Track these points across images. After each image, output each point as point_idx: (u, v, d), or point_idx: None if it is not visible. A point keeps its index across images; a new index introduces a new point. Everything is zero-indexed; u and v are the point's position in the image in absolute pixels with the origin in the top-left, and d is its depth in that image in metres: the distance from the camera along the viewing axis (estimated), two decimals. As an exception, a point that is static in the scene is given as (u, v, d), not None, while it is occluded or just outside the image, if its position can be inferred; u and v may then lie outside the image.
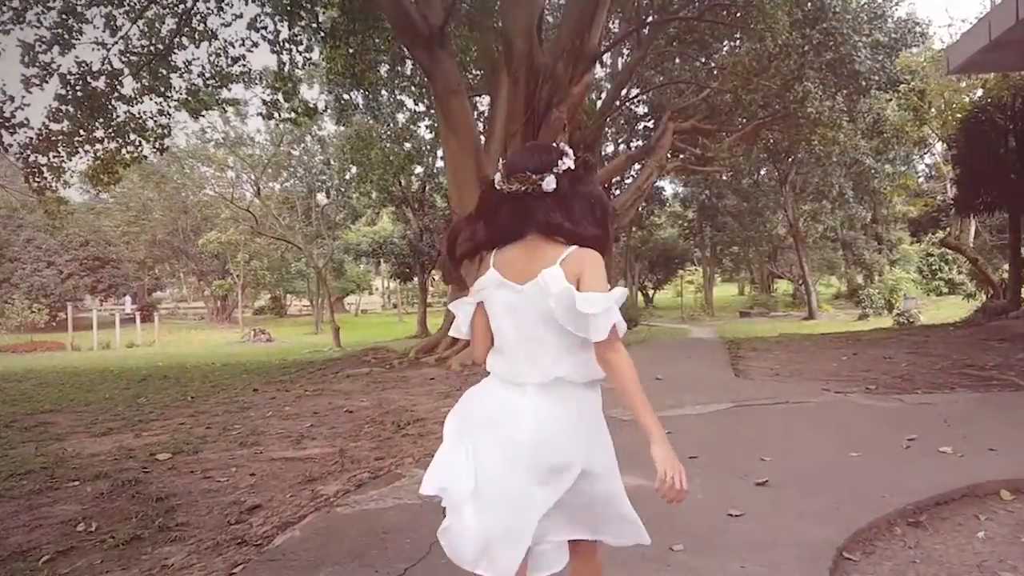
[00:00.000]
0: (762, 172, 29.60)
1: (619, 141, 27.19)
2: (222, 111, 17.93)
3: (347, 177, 26.66)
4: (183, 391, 9.55)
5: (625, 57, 20.95)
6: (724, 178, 31.36)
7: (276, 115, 17.51)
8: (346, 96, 22.77)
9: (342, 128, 22.90)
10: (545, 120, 9.75)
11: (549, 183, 1.81)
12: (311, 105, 17.78)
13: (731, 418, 5.37)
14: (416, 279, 29.84)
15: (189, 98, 16.88)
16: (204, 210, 31.85)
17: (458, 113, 10.33)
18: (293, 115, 17.73)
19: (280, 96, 17.38)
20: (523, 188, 1.82)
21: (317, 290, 34.63)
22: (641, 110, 26.43)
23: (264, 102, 17.41)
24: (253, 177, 25.15)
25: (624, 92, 23.41)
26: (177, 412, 7.92)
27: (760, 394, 6.18)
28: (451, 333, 2.11)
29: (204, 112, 17.46)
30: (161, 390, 9.90)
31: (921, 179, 35.04)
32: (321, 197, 32.39)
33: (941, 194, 38.18)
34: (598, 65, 24.43)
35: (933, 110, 18.46)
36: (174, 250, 36.97)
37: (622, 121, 26.32)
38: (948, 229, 34.87)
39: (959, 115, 18.62)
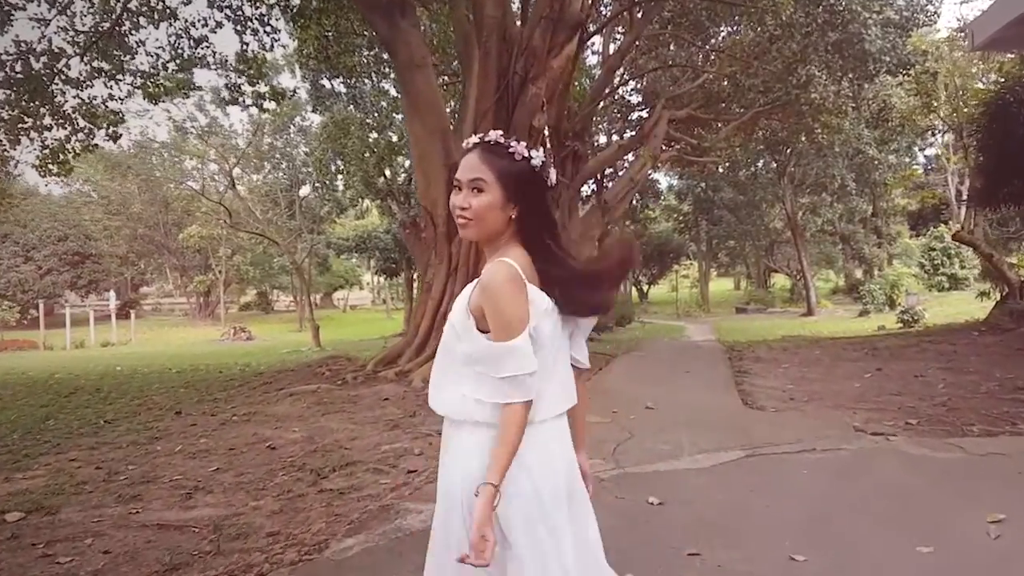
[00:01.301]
0: (759, 164, 28.21)
1: (611, 132, 25.81)
2: (184, 97, 16.46)
3: (332, 168, 25.25)
4: (102, 412, 8.16)
5: (617, 41, 19.49)
6: (720, 170, 30.03)
7: (240, 100, 16.09)
8: (326, 83, 21.35)
9: (320, 117, 21.43)
10: (521, 98, 8.34)
11: None
12: (279, 90, 16.34)
13: (744, 477, 4.00)
14: (403, 274, 28.42)
15: (147, 82, 15.49)
16: (186, 204, 30.34)
17: (423, 90, 8.92)
18: (260, 100, 16.35)
19: (244, 80, 15.98)
20: None
21: (301, 286, 33.21)
22: (635, 99, 25.11)
23: (227, 86, 15.98)
24: (227, 167, 23.64)
25: (616, 82, 22.09)
26: (77, 443, 6.56)
27: (777, 435, 4.81)
28: (524, 397, 1.53)
29: (164, 98, 16.05)
30: (79, 408, 8.52)
31: (919, 170, 33.71)
32: (306, 190, 30.99)
33: (942, 186, 36.90)
34: (589, 52, 23.13)
35: (943, 96, 17.06)
36: (156, 245, 35.48)
37: (615, 111, 25.02)
38: (949, 222, 33.60)
39: (972, 101, 17.25)
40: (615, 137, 24.69)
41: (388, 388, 8.02)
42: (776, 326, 25.98)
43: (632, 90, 24.55)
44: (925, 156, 36.53)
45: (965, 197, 33.52)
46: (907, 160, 27.54)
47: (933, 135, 24.07)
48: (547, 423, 1.62)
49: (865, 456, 4.23)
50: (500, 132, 1.67)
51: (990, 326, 11.02)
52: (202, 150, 26.66)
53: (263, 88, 16.19)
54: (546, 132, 18.82)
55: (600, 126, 24.90)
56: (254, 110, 19.54)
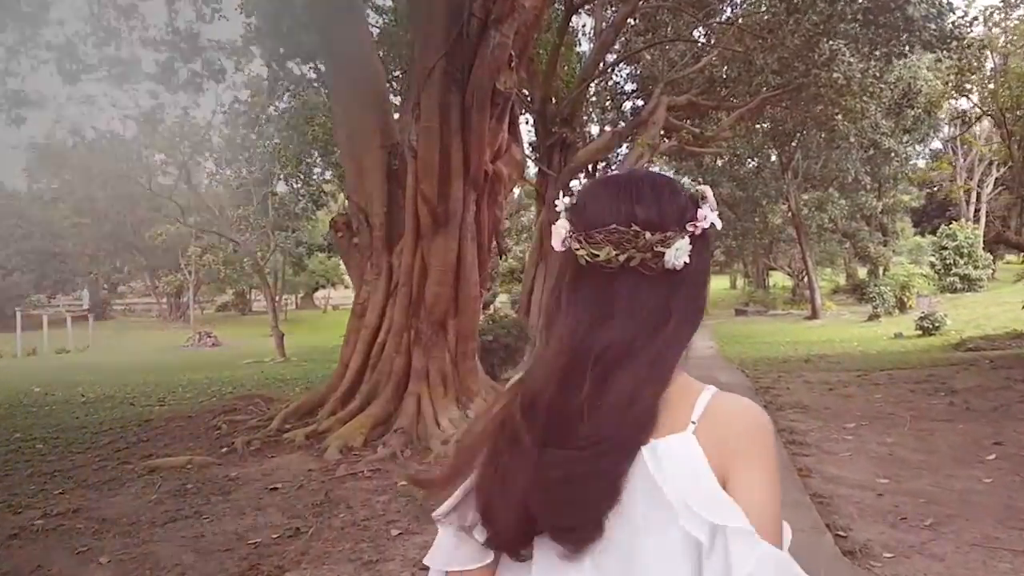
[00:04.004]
0: (767, 156, 25.70)
1: (604, 122, 23.25)
2: (110, 75, 13.83)
3: (307, 161, 22.64)
4: None
5: (610, 15, 16.90)
6: (720, 164, 27.54)
7: (174, 79, 13.51)
8: (294, 67, 18.69)
9: (286, 104, 18.70)
10: (480, 49, 5.79)
11: (678, 254, 0.85)
12: (218, 68, 13.76)
13: None
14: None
15: (61, 57, 12.94)
16: (153, 200, 27.59)
17: (349, 43, 6.35)
18: (198, 79, 13.81)
19: (177, 56, 13.44)
20: (624, 257, 0.84)
21: (274, 285, 30.53)
22: (629, 87, 22.60)
23: (157, 63, 13.43)
24: (180, 159, 21.01)
25: (611, 67, 19.66)
26: None
27: None
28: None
29: (83, 77, 13.43)
30: None
31: (944, 163, 31.10)
32: (282, 185, 28.24)
33: (949, 181, 34.46)
34: (580, 35, 20.56)
35: (983, 75, 14.54)
36: (125, 243, 32.69)
37: (607, 98, 22.52)
38: (961, 219, 31.14)
39: (1010, 84, 14.76)
40: (607, 128, 22.15)
41: (289, 462, 5.46)
42: (782, 331, 23.51)
43: (627, 76, 22.07)
44: (930, 149, 34.08)
45: (988, 190, 31.02)
46: (925, 150, 24.98)
47: (964, 122, 21.46)
48: None
49: None
50: None
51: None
52: (162, 141, 23.92)
53: (199, 66, 13.66)
54: (529, 118, 16.22)
55: (591, 115, 22.38)
56: (225, 98, 16.93)
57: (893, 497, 4.06)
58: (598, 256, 0.84)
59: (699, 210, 0.88)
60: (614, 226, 0.84)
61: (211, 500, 4.81)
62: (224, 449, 5.87)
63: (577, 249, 0.86)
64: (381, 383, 6.22)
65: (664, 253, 0.83)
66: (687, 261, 0.85)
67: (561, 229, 0.89)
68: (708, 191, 0.91)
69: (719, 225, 0.90)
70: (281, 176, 26.58)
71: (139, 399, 10.91)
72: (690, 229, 0.86)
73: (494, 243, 6.93)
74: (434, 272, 6.24)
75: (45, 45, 12.24)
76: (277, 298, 31.17)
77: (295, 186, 25.36)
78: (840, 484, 4.31)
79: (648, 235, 0.84)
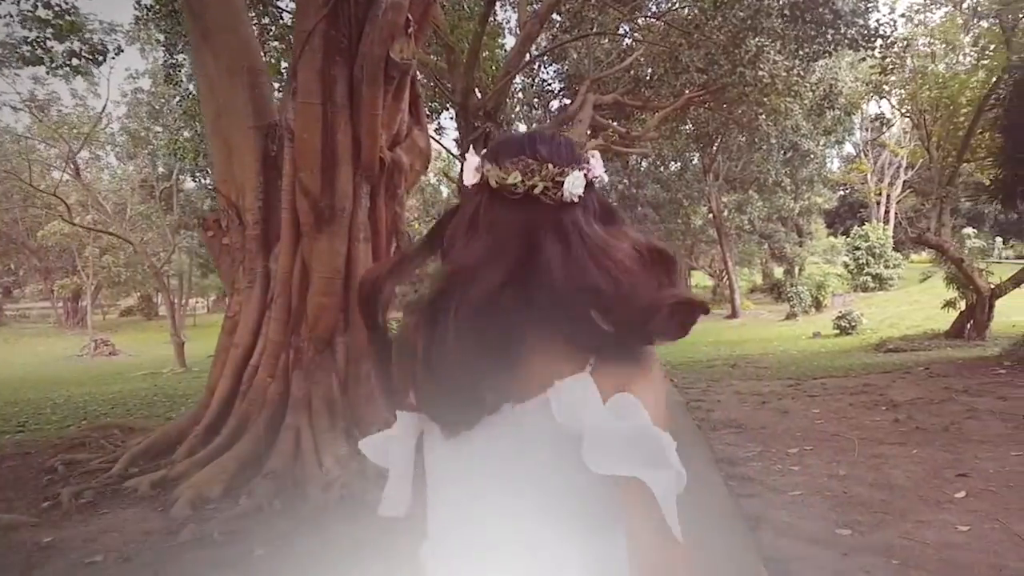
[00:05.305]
0: (689, 159, 25.58)
1: (531, 120, 22.59)
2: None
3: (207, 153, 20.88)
4: None
5: (535, 8, 16.06)
6: (644, 166, 27.33)
7: (46, 61, 11.78)
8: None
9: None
10: (371, 11, 4.77)
11: (575, 184, 0.93)
12: (99, 47, 12.11)
13: None
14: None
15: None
16: (45, 197, 24.91)
17: (213, 1, 5.19)
18: (75, 60, 12.12)
19: (49, 34, 11.72)
20: (527, 184, 0.92)
21: (180, 289, 28.28)
22: (556, 86, 22.01)
23: (27, 41, 11.70)
24: (68, 151, 18.85)
25: (536, 64, 18.96)
26: None
27: None
28: (382, 512, 1.03)
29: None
30: None
31: (836, 165, 31.93)
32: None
33: (862, 184, 35.53)
34: (506, 31, 19.72)
35: (894, 78, 14.49)
36: (17, 244, 29.62)
37: (534, 97, 21.89)
38: (873, 221, 32.07)
39: (930, 85, 14.78)
40: (535, 125, 21.43)
41: (123, 521, 4.26)
42: (703, 330, 23.33)
43: (554, 74, 21.48)
44: (844, 153, 35.02)
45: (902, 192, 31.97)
46: (841, 152, 25.36)
47: (882, 124, 21.75)
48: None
49: None
50: None
51: (1017, 359, 8.21)
52: (46, 131, 21.55)
53: (77, 45, 11.99)
54: (452, 112, 15.21)
55: (518, 113, 21.65)
56: (127, 86, 15.08)
57: (860, 557, 3.28)
58: (506, 179, 0.91)
59: (591, 160, 0.97)
60: (523, 157, 0.93)
61: (0, 583, 3.59)
62: (47, 503, 4.59)
63: (488, 171, 0.93)
64: (252, 414, 5.08)
65: (563, 183, 0.91)
66: (581, 195, 0.92)
67: (474, 160, 0.96)
68: (596, 153, 0.98)
69: (606, 179, 0.98)
70: (188, 171, 24.60)
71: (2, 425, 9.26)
72: (584, 168, 0.94)
73: (394, 244, 5.89)
74: (317, 279, 5.16)
75: None
76: (183, 302, 28.95)
77: (202, 181, 23.48)
78: (796, 538, 3.51)
79: (551, 166, 0.92)
